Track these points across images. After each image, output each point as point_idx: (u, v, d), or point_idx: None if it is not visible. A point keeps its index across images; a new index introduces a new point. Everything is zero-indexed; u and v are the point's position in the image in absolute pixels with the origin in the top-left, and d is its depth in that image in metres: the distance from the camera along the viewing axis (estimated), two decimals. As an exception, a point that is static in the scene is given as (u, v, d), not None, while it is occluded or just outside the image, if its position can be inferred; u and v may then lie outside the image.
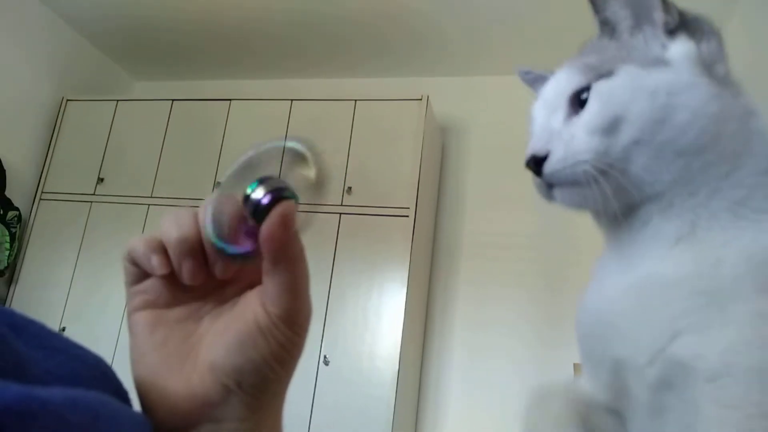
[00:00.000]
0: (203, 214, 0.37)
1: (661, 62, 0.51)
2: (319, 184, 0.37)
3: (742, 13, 2.52)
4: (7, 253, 3.00)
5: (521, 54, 3.12)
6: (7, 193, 3.05)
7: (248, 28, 3.22)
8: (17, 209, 3.09)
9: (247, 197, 0.35)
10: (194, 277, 0.38)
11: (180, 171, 3.11)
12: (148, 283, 0.39)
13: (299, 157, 0.37)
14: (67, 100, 3.38)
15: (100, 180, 3.18)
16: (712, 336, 0.43)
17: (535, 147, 0.54)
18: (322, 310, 2.63)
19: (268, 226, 0.34)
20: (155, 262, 0.37)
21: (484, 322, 2.98)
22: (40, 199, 3.23)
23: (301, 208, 0.36)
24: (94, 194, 3.17)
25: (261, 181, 0.35)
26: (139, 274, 0.39)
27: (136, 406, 0.35)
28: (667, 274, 0.48)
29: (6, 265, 3.00)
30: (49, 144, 3.32)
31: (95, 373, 0.33)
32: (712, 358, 0.43)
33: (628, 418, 0.52)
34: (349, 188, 2.76)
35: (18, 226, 3.08)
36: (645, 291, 0.49)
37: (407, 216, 2.70)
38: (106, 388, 0.32)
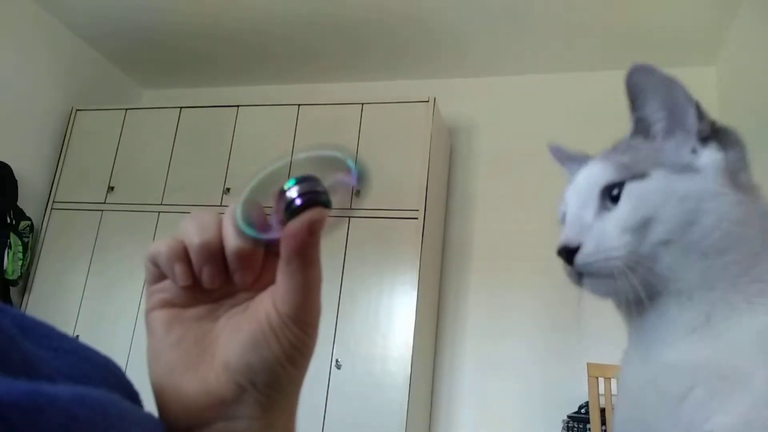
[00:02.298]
0: (234, 206, 0.38)
1: (691, 169, 0.55)
2: (357, 195, 0.37)
3: (742, 20, 2.50)
4: (20, 263, 3.02)
5: (529, 55, 3.11)
6: (19, 203, 3.08)
7: (254, 34, 3.23)
8: (29, 219, 3.12)
9: (282, 192, 0.35)
10: (213, 281, 0.38)
11: (190, 178, 3.13)
12: (166, 283, 0.40)
13: (342, 165, 0.37)
14: (77, 110, 3.41)
15: (111, 188, 3.21)
16: (733, 413, 0.46)
17: (568, 237, 0.58)
18: (333, 314, 2.63)
19: (295, 225, 0.35)
20: (178, 272, 0.38)
21: (496, 323, 2.97)
22: (52, 208, 3.25)
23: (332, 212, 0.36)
24: (105, 203, 3.19)
25: (300, 180, 0.35)
26: (159, 274, 0.40)
27: (148, 407, 0.35)
28: (687, 359, 0.51)
29: (20, 274, 3.03)
30: (60, 154, 3.35)
31: (105, 374, 0.33)
32: (731, 422, 0.46)
33: None
34: (358, 191, 2.75)
35: (30, 235, 3.10)
36: (664, 380, 0.52)
37: (416, 218, 2.70)
38: (117, 388, 0.33)
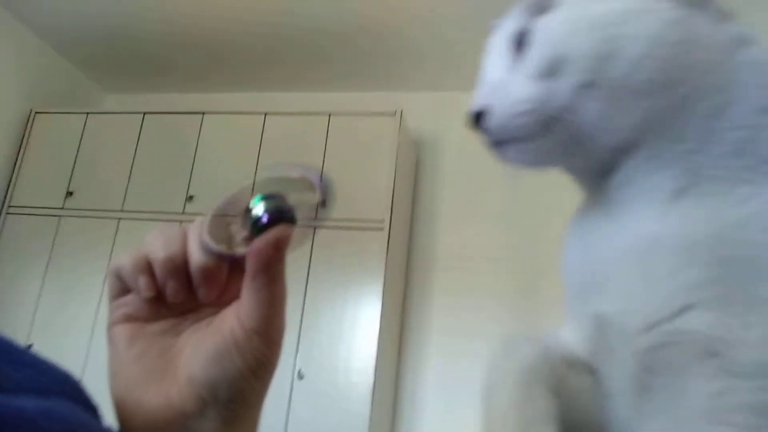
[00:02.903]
0: (202, 219, 0.38)
1: None
2: (322, 212, 0.38)
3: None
4: (-29, 268, 2.92)
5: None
6: (-27, 207, 2.99)
7: (221, 40, 3.21)
8: (-17, 223, 3.02)
9: (248, 210, 0.36)
10: (177, 295, 0.39)
11: (151, 185, 3.07)
12: (129, 297, 0.40)
13: (309, 185, 0.38)
14: (36, 112, 3.32)
15: (69, 194, 3.13)
16: (737, 319, 0.38)
17: (476, 100, 0.48)
18: (297, 324, 2.61)
19: (261, 242, 0.35)
20: (142, 284, 0.38)
21: (460, 335, 2.99)
22: (7, 213, 3.16)
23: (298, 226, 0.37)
24: (63, 208, 3.11)
25: (266, 198, 0.36)
26: (122, 288, 0.40)
27: (107, 421, 0.35)
28: (675, 234, 0.42)
29: (-30, 280, 2.93)
30: (17, 157, 3.25)
31: (65, 387, 0.33)
32: (743, 351, 0.37)
33: (607, 379, 0.47)
34: (323, 207, 2.75)
35: (-17, 240, 3.01)
36: (644, 251, 0.43)
37: (382, 229, 2.70)
38: (76, 402, 0.32)
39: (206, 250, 0.37)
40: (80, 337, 2.82)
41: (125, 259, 0.39)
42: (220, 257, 0.37)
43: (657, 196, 0.43)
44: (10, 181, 3.22)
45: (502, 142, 0.47)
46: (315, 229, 0.39)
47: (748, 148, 0.41)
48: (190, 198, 2.98)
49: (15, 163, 3.24)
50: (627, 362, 0.43)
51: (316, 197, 0.38)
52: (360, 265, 2.69)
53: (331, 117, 2.94)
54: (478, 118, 0.47)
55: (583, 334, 0.49)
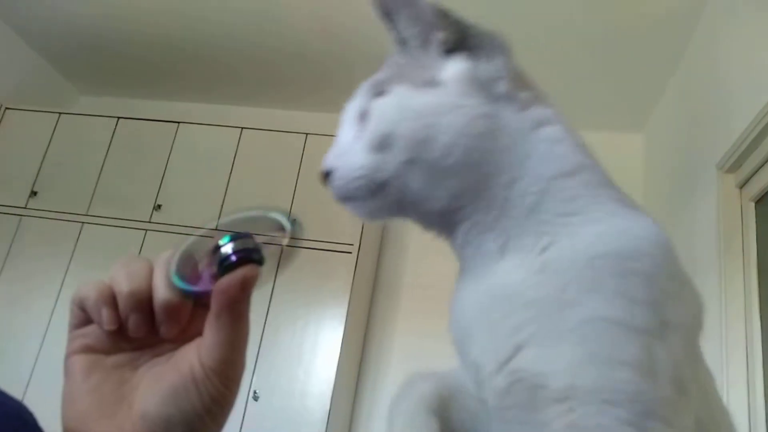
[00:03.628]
0: (169, 255, 0.38)
1: (432, 83, 0.52)
2: (289, 256, 0.40)
3: (670, 92, 2.67)
4: None
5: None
6: (-70, 199, 2.89)
7: (202, 51, 3.20)
8: (-61, 217, 2.92)
9: (217, 247, 0.36)
10: (139, 330, 0.38)
11: (119, 191, 3.02)
12: (90, 328, 0.39)
13: (278, 227, 0.40)
14: (6, 108, 3.25)
15: (34, 193, 3.06)
16: (551, 351, 0.44)
17: (324, 162, 0.57)
18: (256, 343, 2.57)
19: (227, 281, 0.36)
20: (105, 317, 0.38)
21: (421, 364, 2.96)
22: (-34, 208, 3.07)
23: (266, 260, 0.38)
24: (25, 207, 3.03)
25: (235, 238, 0.37)
26: (84, 318, 0.39)
27: None
28: (502, 284, 0.49)
29: None
30: (-18, 152, 3.17)
31: (17, 423, 0.33)
32: (556, 378, 0.43)
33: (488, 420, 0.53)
34: (294, 221, 2.73)
35: (-62, 235, 2.91)
36: (487, 303, 0.50)
37: (350, 252, 2.69)
38: None
39: (173, 286, 0.37)
40: (32, 342, 2.73)
41: (89, 289, 0.38)
42: (186, 294, 0.37)
43: (487, 255, 0.51)
44: (-27, 176, 3.13)
45: (343, 199, 0.56)
46: (283, 239, 0.39)
47: (541, 207, 0.49)
48: (158, 207, 2.94)
49: (-21, 158, 3.16)
50: (491, 403, 0.49)
51: (284, 238, 0.39)
52: (325, 288, 2.67)
53: (308, 137, 2.94)
54: (327, 176, 0.56)
55: (468, 378, 0.55)
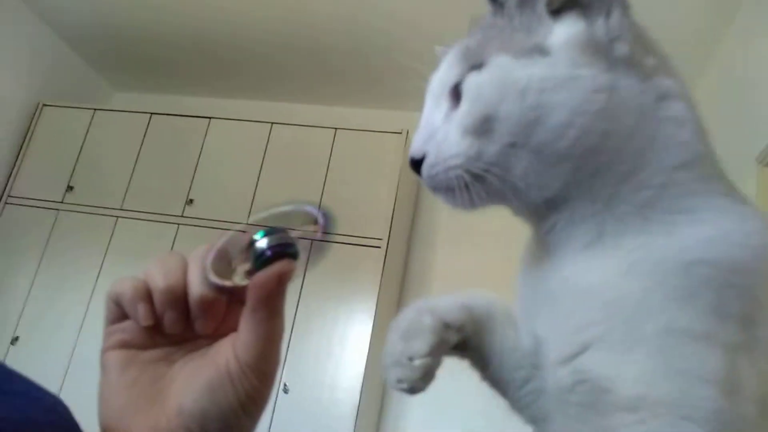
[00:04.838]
0: (204, 251, 0.38)
1: (538, 50, 0.44)
2: (321, 249, 0.40)
3: (741, 26, 2.61)
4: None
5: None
6: (-28, 194, 2.98)
7: (234, 46, 3.22)
8: (-20, 212, 3.01)
9: (253, 242, 0.37)
10: (175, 326, 0.38)
11: (152, 185, 3.07)
12: (126, 324, 0.39)
13: (311, 220, 0.39)
14: (44, 105, 3.33)
15: (70, 188, 3.12)
16: (622, 357, 0.41)
17: (414, 147, 0.50)
18: (286, 337, 2.57)
19: (263, 275, 0.36)
20: (141, 312, 0.38)
21: (448, 362, 2.96)
22: (6, 202, 3.15)
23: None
24: (62, 202, 3.10)
25: (269, 233, 0.37)
26: (120, 314, 0.39)
27: None
28: (577, 281, 0.45)
29: (-38, 268, 2.91)
30: (21, 147, 3.25)
31: (53, 417, 0.33)
32: (626, 386, 0.41)
33: (541, 385, 0.52)
34: (326, 214, 2.74)
35: (-21, 229, 2.99)
36: (560, 293, 0.47)
37: (379, 247, 2.69)
38: (64, 430, 0.32)
39: (209, 282, 0.37)
40: (68, 335, 2.80)
41: (125, 285, 0.38)
42: (221, 290, 0.38)
43: (573, 246, 0.47)
44: (12, 170, 3.21)
45: (437, 189, 0.50)
46: (313, 235, 0.39)
47: (655, 205, 0.44)
48: (190, 201, 2.98)
49: (18, 154, 3.24)
50: (551, 389, 0.47)
51: (318, 232, 0.39)
52: (355, 282, 2.67)
53: (337, 131, 2.95)
54: (417, 163, 0.49)
55: (527, 338, 0.53)
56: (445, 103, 0.49)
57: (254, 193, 2.91)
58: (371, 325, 2.58)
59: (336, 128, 2.96)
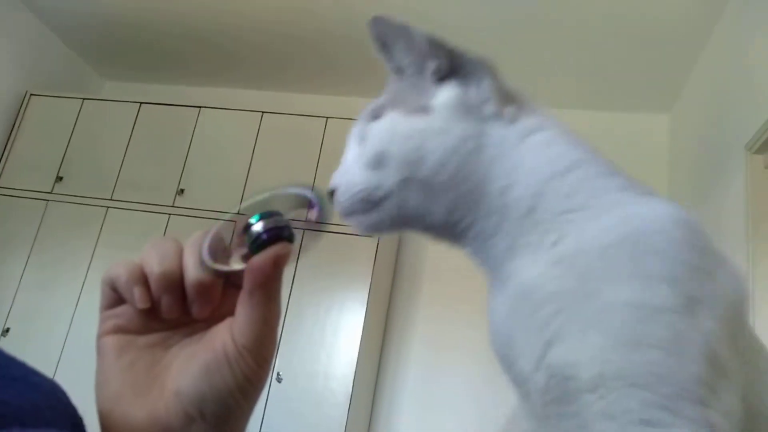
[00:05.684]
0: (200, 235, 0.39)
1: (424, 109, 0.56)
2: (316, 235, 0.40)
3: (730, 15, 2.61)
4: (-47, 247, 2.88)
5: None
6: (-40, 185, 2.95)
7: (224, 36, 3.20)
8: (-32, 203, 2.98)
9: (248, 226, 0.37)
10: (172, 310, 0.39)
11: (143, 175, 3.05)
12: (122, 309, 0.39)
13: (306, 204, 0.40)
14: (31, 94, 3.30)
15: (59, 178, 3.10)
16: (579, 342, 0.45)
17: (331, 182, 0.61)
18: (279, 327, 2.59)
19: (260, 258, 0.36)
20: (137, 295, 0.38)
21: (441, 347, 2.98)
22: (-6, 193, 3.13)
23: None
24: (51, 192, 3.08)
25: (265, 216, 0.37)
26: (115, 299, 0.39)
27: (92, 430, 0.35)
28: (521, 282, 0.50)
29: (-49, 259, 2.89)
30: (8, 138, 3.23)
31: (51, 402, 0.33)
32: (585, 368, 0.43)
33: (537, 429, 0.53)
34: (320, 196, 2.74)
35: (-32, 220, 2.97)
36: (513, 304, 0.51)
37: (371, 236, 2.69)
38: (62, 416, 0.32)
39: (205, 265, 0.37)
40: (60, 326, 2.79)
41: (120, 269, 0.38)
42: (217, 273, 0.38)
43: (498, 258, 0.54)
44: (0, 161, 3.18)
45: (347, 214, 0.59)
46: (305, 225, 0.40)
47: (538, 208, 0.51)
48: (181, 191, 2.96)
49: (6, 144, 3.21)
50: (537, 406, 0.49)
51: (313, 215, 0.40)
52: (347, 272, 2.68)
53: (329, 120, 2.94)
54: (332, 194, 0.60)
55: (517, 394, 0.55)
56: (356, 147, 0.60)
57: (245, 183, 2.90)
58: (364, 314, 2.59)
59: (327, 117, 2.95)
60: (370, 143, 0.57)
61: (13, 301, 2.89)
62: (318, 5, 2.82)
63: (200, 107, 3.14)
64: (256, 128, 3.01)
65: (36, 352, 2.72)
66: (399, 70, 0.61)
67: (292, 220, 0.38)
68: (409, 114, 0.57)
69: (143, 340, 0.39)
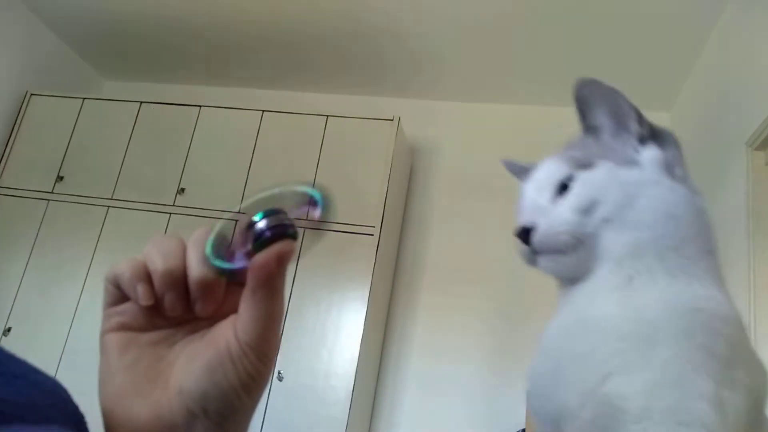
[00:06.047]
0: (203, 233, 0.39)
1: (633, 162, 0.63)
2: (318, 232, 0.40)
3: (731, 11, 2.61)
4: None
5: (496, 86, 3.17)
6: (-40, 185, 2.95)
7: (224, 34, 3.20)
8: (-31, 202, 2.98)
9: (252, 224, 0.37)
10: (175, 308, 0.39)
11: (144, 174, 3.05)
12: (125, 306, 0.39)
13: (309, 200, 0.40)
14: (32, 94, 3.30)
15: (60, 178, 3.10)
16: (633, 377, 0.49)
17: (524, 219, 0.64)
18: (282, 323, 2.59)
19: (263, 256, 0.36)
20: (141, 292, 0.38)
21: (442, 345, 2.98)
22: (-5, 193, 3.13)
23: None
24: (52, 192, 3.08)
25: (268, 213, 0.37)
26: (119, 296, 0.39)
27: (94, 429, 0.35)
28: (596, 316, 0.55)
29: (-48, 259, 2.89)
30: (9, 137, 3.23)
31: (53, 400, 0.33)
32: (634, 400, 0.48)
33: None
34: (323, 193, 2.74)
35: (-31, 220, 2.97)
36: (577, 332, 0.56)
37: (372, 235, 2.69)
38: (64, 414, 0.32)
39: (208, 263, 0.37)
40: (60, 326, 2.79)
41: (124, 266, 0.38)
42: (221, 271, 0.38)
43: (602, 291, 0.58)
44: (0, 161, 3.18)
45: (540, 252, 0.62)
46: (305, 223, 0.40)
47: (681, 269, 0.57)
48: (181, 190, 2.97)
49: (6, 144, 3.21)
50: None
51: (316, 213, 0.39)
52: (348, 270, 2.68)
53: (329, 119, 2.94)
54: (525, 233, 0.63)
55: None
56: (549, 191, 0.65)
57: (246, 182, 2.90)
58: (365, 312, 2.59)
59: (327, 116, 2.94)
60: (585, 188, 0.62)
61: (14, 301, 2.90)
62: (318, 4, 2.82)
63: (200, 106, 3.13)
64: (257, 127, 3.01)
65: (37, 351, 2.73)
66: (591, 128, 0.67)
67: (295, 218, 0.38)
68: (622, 165, 0.63)
69: (147, 337, 0.39)
